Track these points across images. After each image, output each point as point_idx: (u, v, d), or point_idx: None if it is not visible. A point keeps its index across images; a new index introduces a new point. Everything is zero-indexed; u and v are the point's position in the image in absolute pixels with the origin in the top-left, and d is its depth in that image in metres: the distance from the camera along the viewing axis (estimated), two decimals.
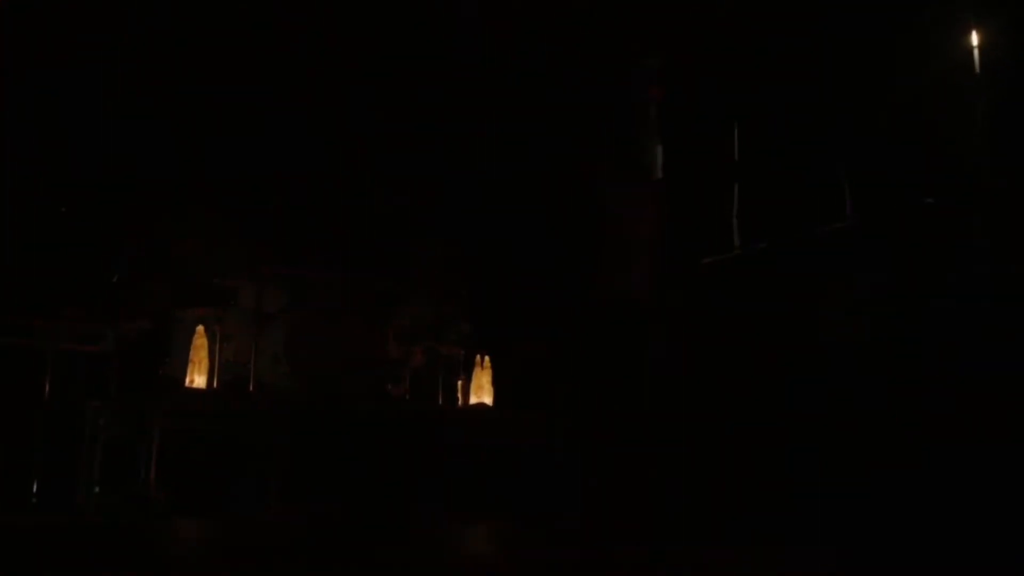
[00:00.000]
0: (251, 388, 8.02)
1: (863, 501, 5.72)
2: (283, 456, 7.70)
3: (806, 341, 6.51)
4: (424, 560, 5.63)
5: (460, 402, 9.10)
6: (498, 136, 8.33)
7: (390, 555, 5.90)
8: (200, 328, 8.02)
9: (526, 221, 8.18)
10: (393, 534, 6.69)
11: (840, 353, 6.16)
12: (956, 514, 5.25)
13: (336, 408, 8.04)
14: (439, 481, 7.93)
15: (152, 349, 8.50)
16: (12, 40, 7.93)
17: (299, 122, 8.66)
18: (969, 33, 6.26)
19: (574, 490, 7.00)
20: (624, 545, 5.71)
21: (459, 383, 9.11)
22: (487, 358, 9.27)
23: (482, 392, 9.21)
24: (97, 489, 7.94)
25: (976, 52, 6.20)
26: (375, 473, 7.87)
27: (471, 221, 8.62)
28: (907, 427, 5.65)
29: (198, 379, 7.95)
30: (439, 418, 8.77)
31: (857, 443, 5.89)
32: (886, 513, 5.60)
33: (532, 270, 8.14)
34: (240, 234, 8.52)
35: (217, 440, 7.75)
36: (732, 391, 6.66)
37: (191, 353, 7.99)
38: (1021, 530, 4.97)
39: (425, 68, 8.53)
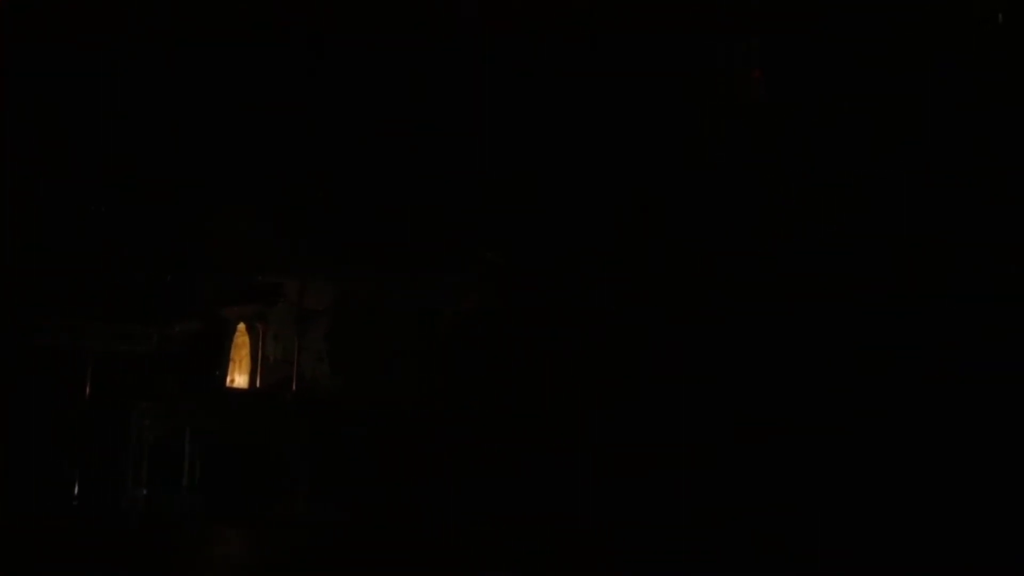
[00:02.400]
0: (294, 387, 7.75)
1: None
2: (324, 457, 7.46)
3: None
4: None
5: None
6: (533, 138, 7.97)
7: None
8: (241, 326, 7.84)
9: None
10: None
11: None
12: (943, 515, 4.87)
13: (381, 408, 7.73)
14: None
15: (202, 350, 8.40)
16: (57, 39, 7.94)
17: (342, 120, 8.41)
18: None
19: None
20: None
21: None
22: None
23: None
24: (145, 491, 7.87)
25: None
26: (419, 474, 7.54)
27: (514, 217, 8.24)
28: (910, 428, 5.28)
29: (239, 379, 7.78)
30: None
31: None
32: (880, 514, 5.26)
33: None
34: (286, 231, 8.29)
35: (257, 441, 7.57)
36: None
37: (232, 352, 7.82)
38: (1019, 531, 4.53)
39: (468, 69, 8.21)
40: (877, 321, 5.76)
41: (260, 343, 7.88)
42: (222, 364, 8.31)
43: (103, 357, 7.88)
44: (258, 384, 7.82)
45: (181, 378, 8.09)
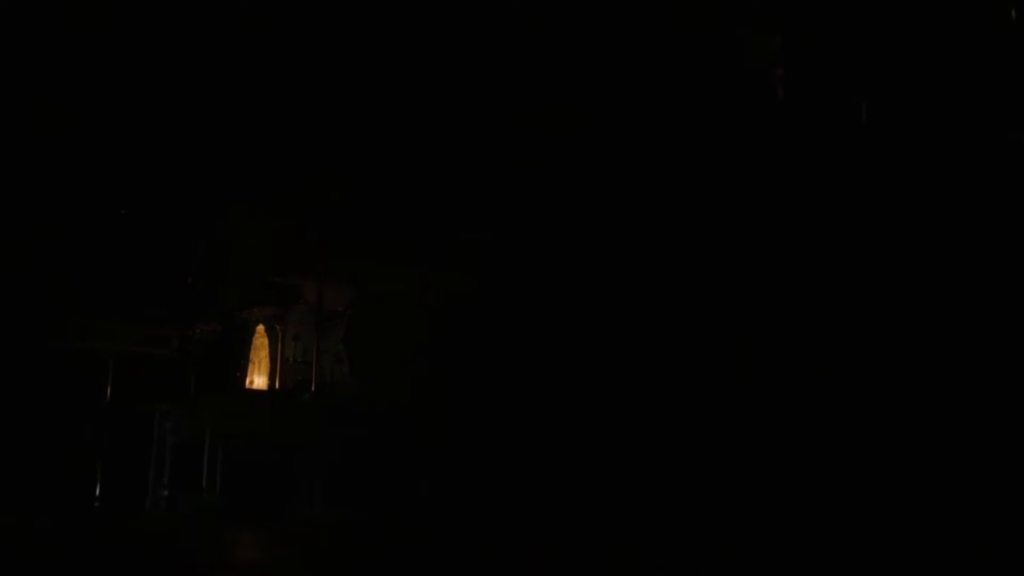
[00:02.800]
0: (312, 388, 7.78)
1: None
2: (342, 457, 7.49)
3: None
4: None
5: None
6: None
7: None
8: (260, 328, 7.88)
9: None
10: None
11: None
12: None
13: (399, 408, 7.74)
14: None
15: (222, 351, 8.47)
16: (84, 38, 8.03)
17: (361, 118, 8.45)
18: None
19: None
20: None
21: None
22: None
23: None
24: (166, 492, 7.93)
25: None
26: (435, 474, 7.55)
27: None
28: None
29: (258, 380, 7.83)
30: None
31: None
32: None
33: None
34: (304, 232, 8.32)
35: (277, 441, 7.60)
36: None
37: (251, 353, 7.87)
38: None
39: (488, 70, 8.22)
40: (877, 321, 5.73)
41: (279, 344, 7.91)
42: (242, 365, 8.37)
43: (124, 359, 7.97)
44: (277, 385, 7.85)
45: (201, 379, 8.17)
